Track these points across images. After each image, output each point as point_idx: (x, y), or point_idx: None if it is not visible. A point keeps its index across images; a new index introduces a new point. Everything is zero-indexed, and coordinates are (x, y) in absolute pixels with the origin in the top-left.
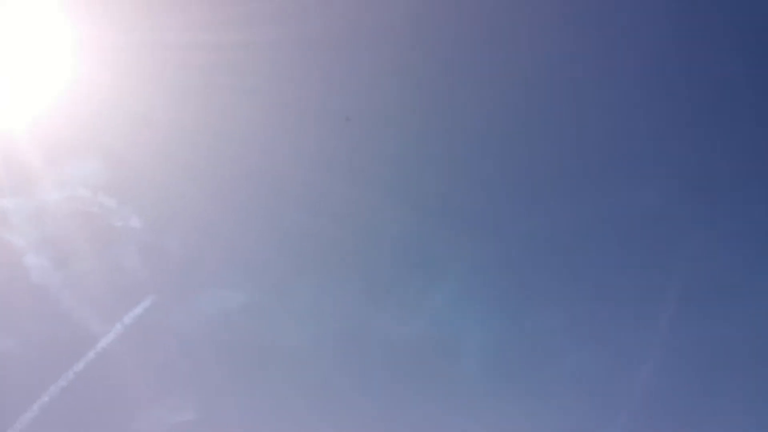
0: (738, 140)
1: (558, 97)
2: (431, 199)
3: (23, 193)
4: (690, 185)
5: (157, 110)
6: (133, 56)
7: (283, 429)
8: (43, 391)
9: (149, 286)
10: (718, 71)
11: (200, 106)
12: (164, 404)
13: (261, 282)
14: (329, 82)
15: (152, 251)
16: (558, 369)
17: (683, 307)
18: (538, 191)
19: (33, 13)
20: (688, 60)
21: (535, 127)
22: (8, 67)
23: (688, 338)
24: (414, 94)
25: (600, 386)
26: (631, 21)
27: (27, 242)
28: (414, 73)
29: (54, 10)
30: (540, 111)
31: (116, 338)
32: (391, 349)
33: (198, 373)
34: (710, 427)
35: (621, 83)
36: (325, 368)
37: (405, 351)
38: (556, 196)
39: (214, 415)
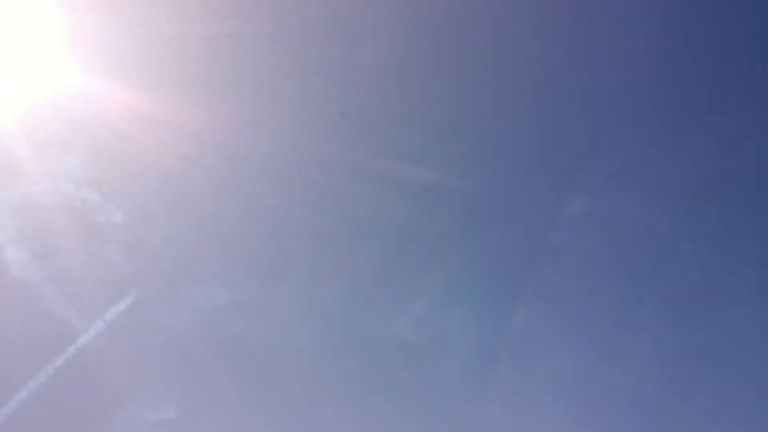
0: (720, 143)
1: (555, 96)
2: (424, 196)
3: (4, 185)
4: (675, 187)
5: (144, 104)
6: (119, 48)
7: (266, 429)
8: (21, 386)
9: (132, 283)
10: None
11: (188, 100)
12: (145, 402)
13: (247, 280)
14: (323, 76)
15: (136, 247)
16: (545, 370)
17: (668, 309)
18: (532, 192)
19: (12, 4)
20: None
21: (533, 123)
22: None
23: (673, 340)
24: (410, 90)
25: (587, 387)
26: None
27: (7, 236)
28: (411, 68)
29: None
30: (538, 109)
31: (97, 334)
32: (381, 349)
33: (180, 371)
34: (694, 427)
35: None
36: (312, 368)
37: (394, 350)
38: (547, 197)
39: (196, 414)
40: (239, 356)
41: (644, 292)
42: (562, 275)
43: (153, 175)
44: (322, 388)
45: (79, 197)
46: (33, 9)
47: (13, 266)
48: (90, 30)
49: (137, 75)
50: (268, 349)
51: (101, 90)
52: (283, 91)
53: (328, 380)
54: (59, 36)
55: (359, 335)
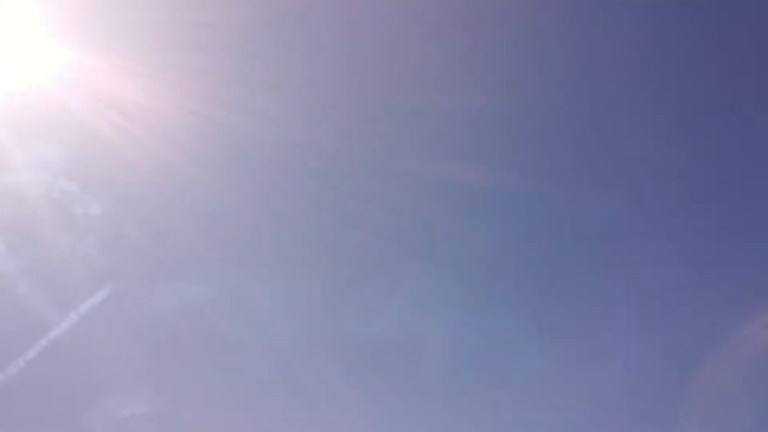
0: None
1: (550, 95)
2: (414, 190)
3: None
4: (652, 190)
5: (125, 94)
6: (99, 35)
7: (239, 425)
8: None
9: (108, 276)
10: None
11: (170, 90)
12: (117, 397)
13: (224, 276)
14: (312, 66)
15: (113, 240)
16: (522, 371)
17: (642, 312)
18: (516, 197)
19: None
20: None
21: (528, 122)
22: None
23: (649, 343)
24: (407, 84)
25: (564, 389)
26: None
27: None
28: (404, 63)
29: None
30: (536, 106)
31: (71, 327)
32: (363, 346)
33: (154, 366)
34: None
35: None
36: (292, 365)
37: (376, 348)
38: (528, 202)
39: (170, 410)
40: (216, 353)
41: (636, 292)
42: (538, 278)
43: (133, 167)
44: (301, 384)
45: (57, 188)
46: None
47: None
48: (72, 16)
49: (119, 62)
50: (247, 347)
51: (81, 77)
52: (268, 77)
53: (308, 377)
54: (40, 23)
55: (341, 333)
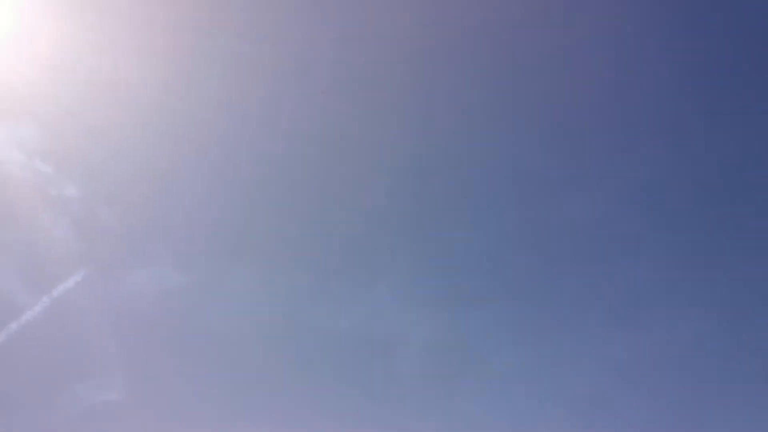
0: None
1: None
2: (388, 191)
3: None
4: (632, 192)
5: (104, 74)
6: (79, 12)
7: (209, 414)
8: None
9: (82, 260)
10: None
11: (151, 71)
12: (89, 382)
13: (201, 263)
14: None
15: (88, 223)
16: (494, 368)
17: (615, 312)
18: (492, 195)
19: None
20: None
21: (522, 120)
22: None
23: (622, 343)
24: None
25: (538, 388)
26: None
27: None
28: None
29: None
30: (533, 104)
31: (43, 311)
32: (328, 341)
33: (126, 352)
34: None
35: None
36: (260, 356)
37: (343, 343)
38: (505, 201)
39: (140, 396)
40: (188, 339)
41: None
42: (514, 277)
43: (109, 149)
44: (273, 372)
45: (31, 168)
46: None
47: None
48: None
49: (101, 42)
50: (219, 333)
51: (57, 57)
52: (262, 68)
53: (280, 365)
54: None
55: (314, 322)
